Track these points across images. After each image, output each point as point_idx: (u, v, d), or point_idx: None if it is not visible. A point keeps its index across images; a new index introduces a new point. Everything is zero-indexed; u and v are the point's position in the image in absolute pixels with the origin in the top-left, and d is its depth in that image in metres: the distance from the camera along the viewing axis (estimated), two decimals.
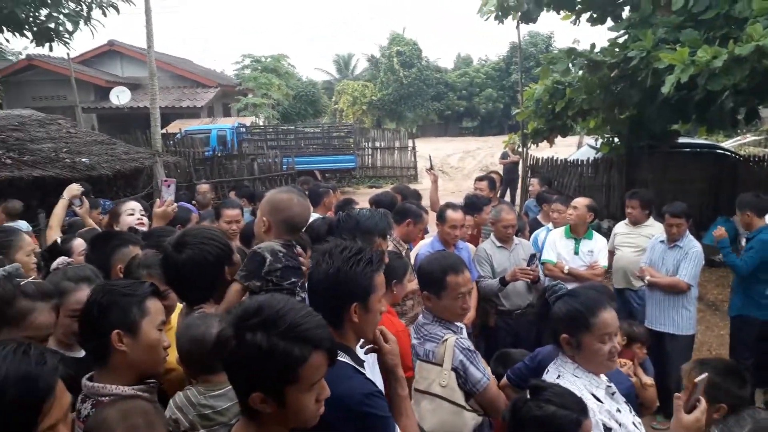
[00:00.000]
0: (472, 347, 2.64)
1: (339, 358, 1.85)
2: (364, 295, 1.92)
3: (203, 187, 7.64)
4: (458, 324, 2.78)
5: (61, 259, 2.76)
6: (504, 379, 2.83)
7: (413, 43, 37.25)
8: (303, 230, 2.75)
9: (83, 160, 8.95)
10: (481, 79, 39.89)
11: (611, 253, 5.49)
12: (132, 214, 3.82)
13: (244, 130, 18.24)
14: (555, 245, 5.07)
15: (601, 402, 2.14)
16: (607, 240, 5.41)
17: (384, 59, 37.93)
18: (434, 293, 2.72)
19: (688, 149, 11.02)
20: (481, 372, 2.59)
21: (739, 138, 20.59)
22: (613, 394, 2.22)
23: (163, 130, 13.47)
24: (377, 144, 21.32)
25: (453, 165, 24.72)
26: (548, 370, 2.33)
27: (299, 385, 1.44)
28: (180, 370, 2.18)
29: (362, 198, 6.78)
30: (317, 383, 1.48)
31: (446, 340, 2.57)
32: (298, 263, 2.55)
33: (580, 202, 5.08)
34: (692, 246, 4.68)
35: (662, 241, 4.84)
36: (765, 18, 5.64)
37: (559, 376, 2.22)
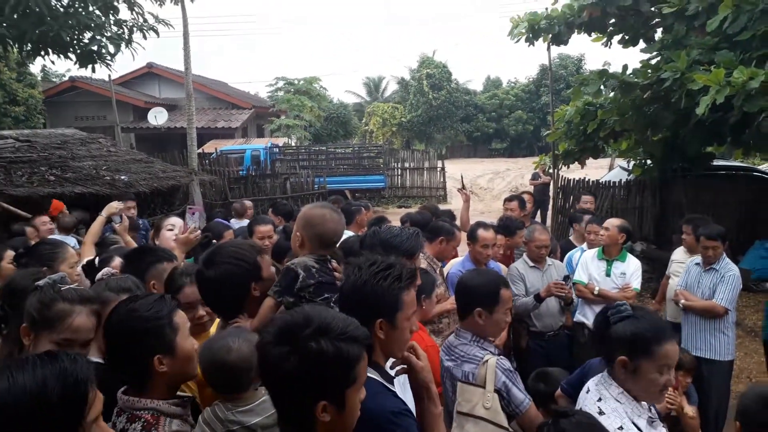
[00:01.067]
0: (512, 368, 2.62)
1: (371, 375, 1.85)
2: (390, 312, 1.90)
3: (245, 201, 7.83)
4: (492, 344, 2.76)
5: (106, 270, 2.86)
6: (558, 391, 2.83)
7: (443, 66, 37.50)
8: (336, 245, 2.75)
9: (122, 177, 9.22)
10: (511, 101, 39.90)
11: (668, 278, 5.51)
12: (171, 229, 3.93)
13: (277, 150, 18.52)
14: (587, 266, 5.03)
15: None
16: (642, 263, 5.33)
17: (414, 82, 38.25)
18: (487, 308, 2.70)
19: (723, 172, 10.83)
20: (523, 393, 2.58)
21: None
22: (652, 422, 2.17)
23: (199, 150, 13.79)
24: (406, 164, 21.42)
25: (482, 186, 24.65)
26: (588, 389, 2.29)
27: (356, 384, 1.50)
28: None
29: (393, 217, 6.84)
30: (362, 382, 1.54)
31: (486, 361, 2.53)
32: (331, 278, 2.54)
33: (612, 222, 5.04)
34: (729, 269, 4.59)
35: (698, 264, 4.77)
36: None
37: (600, 398, 2.18)
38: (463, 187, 6.27)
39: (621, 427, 2.04)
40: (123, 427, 1.79)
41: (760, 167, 14.25)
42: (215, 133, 21.26)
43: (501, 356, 2.63)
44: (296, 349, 1.42)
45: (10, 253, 4.48)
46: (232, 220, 7.14)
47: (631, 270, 4.96)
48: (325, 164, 18.70)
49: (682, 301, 4.72)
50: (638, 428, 2.10)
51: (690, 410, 3.64)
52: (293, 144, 22.63)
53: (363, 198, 16.80)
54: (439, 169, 21.20)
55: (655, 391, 2.16)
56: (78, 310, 2.11)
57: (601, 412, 2.12)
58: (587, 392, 2.29)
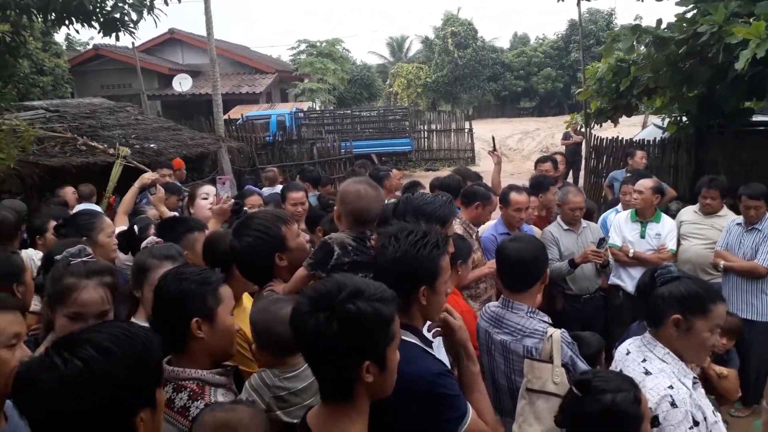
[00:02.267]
0: (571, 339, 2.59)
1: (407, 338, 1.90)
2: (431, 278, 1.94)
3: (273, 168, 7.85)
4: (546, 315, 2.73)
5: (150, 239, 2.90)
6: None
7: (468, 23, 36.61)
8: (374, 223, 2.68)
9: (151, 145, 9.29)
10: (539, 59, 38.88)
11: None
12: (206, 198, 3.95)
13: (302, 115, 18.46)
14: (620, 229, 4.94)
15: (691, 392, 2.09)
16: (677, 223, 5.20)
17: (438, 41, 37.50)
18: (537, 281, 2.70)
19: (762, 128, 10.46)
20: (584, 363, 2.57)
21: None
22: (695, 383, 2.16)
23: (225, 116, 13.80)
24: (433, 126, 21.17)
25: (511, 146, 24.30)
26: (628, 351, 2.27)
27: (394, 342, 1.54)
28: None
29: (423, 181, 6.80)
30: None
31: (551, 335, 2.50)
32: (367, 258, 2.53)
33: (645, 184, 4.89)
34: None
35: (739, 224, 4.65)
36: None
37: (644, 359, 2.17)
38: (495, 149, 6.13)
39: (671, 386, 2.03)
40: (169, 397, 1.82)
41: None
42: (239, 98, 21.24)
43: (563, 329, 2.59)
44: (335, 314, 1.44)
45: (53, 223, 4.59)
46: (264, 189, 7.17)
47: (666, 230, 4.87)
48: (351, 128, 18.59)
49: (722, 263, 4.62)
50: (686, 387, 2.09)
51: (723, 371, 3.60)
52: (317, 108, 22.51)
53: (389, 162, 16.74)
54: (466, 130, 20.91)
55: (704, 351, 2.19)
56: (84, 284, 2.13)
57: (647, 372, 2.11)
58: (627, 354, 2.27)
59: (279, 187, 6.61)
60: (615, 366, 2.32)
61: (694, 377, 2.18)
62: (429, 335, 2.11)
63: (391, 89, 37.12)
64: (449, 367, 2.00)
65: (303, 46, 26.65)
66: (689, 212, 5.32)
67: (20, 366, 1.39)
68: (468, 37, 36.20)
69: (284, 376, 2.03)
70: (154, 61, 21.96)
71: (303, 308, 1.48)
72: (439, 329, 2.05)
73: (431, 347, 2.03)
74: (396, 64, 40.01)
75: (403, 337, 1.87)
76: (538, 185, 5.20)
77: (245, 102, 21.13)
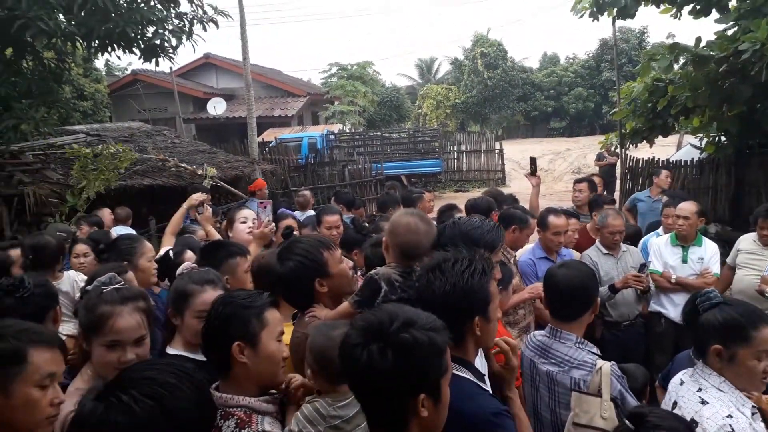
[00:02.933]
0: (621, 373, 2.51)
1: (461, 374, 1.85)
2: (484, 307, 1.90)
3: (305, 192, 7.90)
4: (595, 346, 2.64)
5: (186, 265, 2.90)
6: (657, 384, 2.81)
7: (498, 44, 36.67)
8: (422, 258, 2.56)
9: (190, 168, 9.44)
10: (570, 78, 38.63)
11: (731, 270, 5.12)
12: (245, 222, 3.96)
13: (333, 137, 18.61)
14: (660, 253, 4.77)
15: (750, 421, 2.01)
16: (717, 245, 5.03)
17: (468, 61, 37.61)
18: (588, 310, 2.61)
19: None
20: (633, 398, 2.48)
21: None
22: (754, 414, 2.07)
23: (259, 139, 13.99)
24: (462, 147, 21.13)
25: (542, 167, 24.03)
26: (682, 381, 2.21)
27: (447, 374, 1.49)
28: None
29: (456, 203, 6.79)
30: None
31: (600, 368, 2.42)
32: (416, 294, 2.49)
33: (689, 209, 4.71)
34: None
35: None
36: None
37: (700, 389, 2.11)
38: (534, 171, 6.01)
39: (730, 416, 1.98)
40: (216, 424, 1.80)
41: None
42: (272, 121, 21.54)
43: (612, 362, 2.50)
44: (390, 344, 1.39)
45: (81, 248, 4.66)
46: (296, 212, 7.21)
47: (709, 254, 4.72)
48: (381, 150, 18.65)
49: (767, 290, 4.44)
50: (745, 417, 2.03)
51: None
52: (348, 130, 22.70)
53: (419, 183, 16.71)
54: (496, 150, 20.82)
55: (756, 379, 2.10)
56: (119, 311, 2.12)
57: (704, 402, 2.06)
58: (681, 384, 2.21)
59: (310, 212, 6.64)
60: (669, 397, 2.25)
61: (753, 406, 2.10)
62: (481, 368, 2.07)
63: (420, 111, 37.26)
64: (504, 405, 1.94)
65: (334, 69, 27.04)
66: (748, 240, 5.06)
67: (80, 410, 1.38)
68: (497, 57, 36.22)
69: (338, 405, 1.98)
70: (190, 85, 22.46)
71: (354, 340, 1.44)
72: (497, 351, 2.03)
73: (484, 381, 1.99)
74: (425, 86, 40.21)
75: (457, 372, 1.83)
76: (595, 202, 5.27)
77: (277, 125, 21.41)
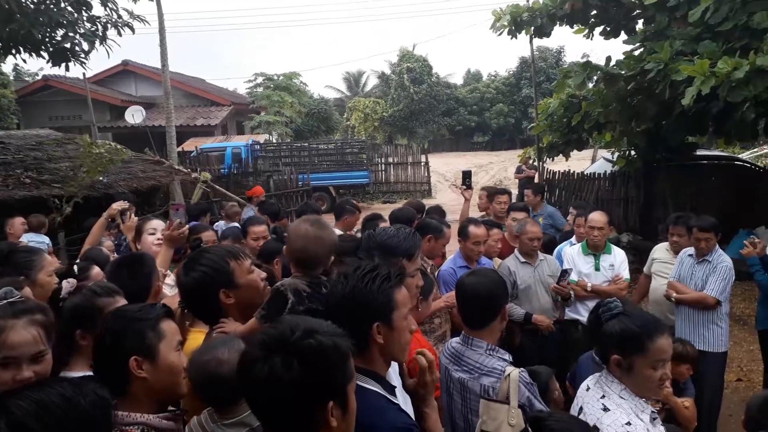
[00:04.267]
0: (531, 380, 2.52)
1: (369, 386, 1.81)
2: (385, 313, 1.85)
3: (235, 204, 7.71)
4: (506, 352, 2.66)
5: (66, 285, 2.67)
6: (567, 384, 2.86)
7: (423, 60, 37.40)
8: (321, 268, 2.52)
9: (100, 178, 8.99)
10: (492, 94, 39.99)
11: (647, 278, 5.36)
12: (153, 233, 3.78)
13: (258, 147, 18.32)
14: (574, 263, 4.92)
15: (649, 427, 2.06)
16: (628, 254, 5.25)
17: (394, 76, 38.12)
18: (497, 317, 2.62)
19: (705, 161, 10.91)
20: (542, 404, 2.50)
21: (756, 149, 20.38)
22: (654, 419, 2.14)
23: (179, 149, 13.55)
24: (390, 159, 21.35)
25: None
26: (588, 386, 2.25)
27: (353, 380, 1.45)
28: None
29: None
30: None
31: (509, 374, 2.43)
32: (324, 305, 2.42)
33: (602, 219, 4.86)
34: (721, 261, 4.56)
35: (691, 255, 4.74)
36: None
37: (603, 395, 2.15)
38: (468, 185, 6.12)
39: (629, 423, 2.02)
40: None
41: (741, 156, 14.43)
42: (194, 131, 20.98)
43: (521, 368, 2.53)
44: (294, 353, 1.32)
45: None
46: (220, 223, 7.00)
47: (618, 261, 4.93)
48: (308, 161, 18.54)
49: (674, 295, 4.68)
50: (643, 423, 2.07)
51: (686, 401, 3.64)
52: (274, 141, 22.41)
53: (347, 194, 16.70)
54: (422, 163, 21.18)
55: (653, 386, 2.14)
56: (11, 325, 1.93)
57: (605, 409, 2.10)
58: (587, 390, 2.25)
59: (235, 223, 6.47)
60: (576, 402, 2.28)
61: (653, 411, 2.15)
62: (394, 381, 2.02)
63: (348, 123, 37.37)
64: (413, 419, 1.90)
65: (260, 79, 26.67)
66: (661, 249, 5.28)
67: None
68: (423, 72, 36.92)
69: (224, 422, 1.91)
70: (107, 93, 21.54)
71: (253, 355, 1.35)
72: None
73: (394, 394, 1.93)
74: (353, 99, 40.39)
75: (364, 384, 1.79)
76: (524, 208, 5.51)
77: (200, 134, 20.86)
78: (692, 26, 7.04)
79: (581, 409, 2.19)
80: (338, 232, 5.10)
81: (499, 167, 27.19)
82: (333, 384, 1.37)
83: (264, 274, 2.42)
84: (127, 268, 2.81)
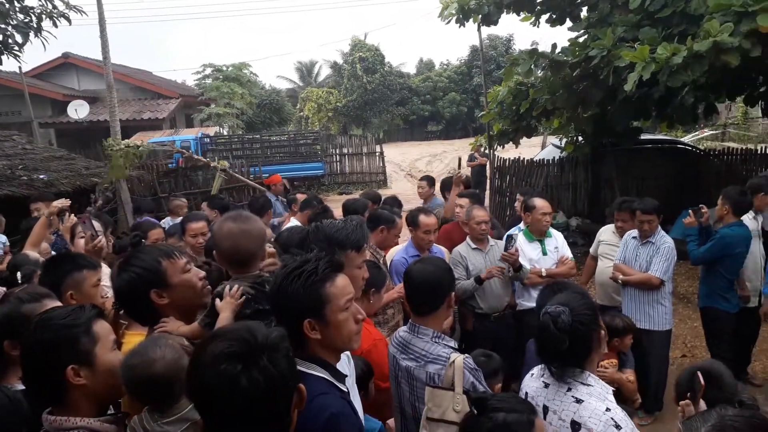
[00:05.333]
0: (476, 366, 2.52)
1: (316, 373, 1.81)
2: (315, 309, 1.82)
3: (181, 201, 7.48)
4: (451, 339, 2.66)
5: None
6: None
7: (375, 49, 37.29)
8: (253, 262, 2.44)
9: (41, 176, 8.65)
10: (444, 83, 40.16)
11: (594, 260, 5.47)
12: (84, 236, 3.64)
13: (208, 140, 17.96)
14: (523, 252, 4.88)
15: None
16: (578, 237, 5.37)
17: (347, 66, 37.89)
18: (442, 304, 2.62)
19: (650, 145, 11.24)
20: (488, 390, 2.51)
21: (697, 133, 21.13)
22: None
23: (125, 143, 13.12)
24: (345, 150, 21.23)
25: (421, 169, 24.77)
26: (547, 384, 2.19)
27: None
28: None
29: (335, 205, 6.84)
30: None
31: (453, 361, 2.42)
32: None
33: (547, 206, 4.93)
34: (664, 242, 4.70)
35: (635, 238, 4.87)
36: (721, 14, 5.75)
37: (569, 388, 2.12)
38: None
39: (608, 408, 2.00)
40: None
41: (683, 140, 14.93)
42: (141, 125, 20.39)
43: (466, 354, 2.53)
44: (264, 353, 1.35)
45: None
46: (167, 219, 6.81)
47: (560, 242, 5.04)
48: (260, 153, 18.27)
49: (620, 277, 4.80)
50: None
51: (629, 375, 3.75)
52: (225, 133, 22.01)
53: (302, 186, 16.54)
54: (377, 153, 21.13)
55: (602, 355, 2.24)
56: None
57: (578, 401, 2.07)
58: (546, 387, 2.20)
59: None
60: (534, 402, 2.18)
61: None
62: (345, 369, 2.02)
63: (301, 114, 37.02)
64: (354, 408, 1.89)
65: (208, 71, 26.10)
66: (607, 232, 5.40)
67: None
68: (376, 62, 36.82)
69: (164, 420, 1.85)
70: (47, 87, 20.70)
71: (229, 370, 1.33)
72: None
73: (344, 382, 1.92)
74: (306, 89, 39.99)
75: (307, 370, 1.81)
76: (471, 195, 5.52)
77: (148, 128, 20.29)
78: (633, 13, 7.18)
79: (546, 408, 2.15)
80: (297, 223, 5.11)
81: (452, 156, 27.34)
82: (298, 374, 1.45)
83: (202, 273, 2.34)
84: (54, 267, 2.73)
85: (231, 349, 1.35)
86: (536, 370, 2.32)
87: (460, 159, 8.87)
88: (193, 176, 12.15)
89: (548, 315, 2.08)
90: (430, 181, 7.09)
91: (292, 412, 1.44)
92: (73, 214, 4.05)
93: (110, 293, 2.99)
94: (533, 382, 2.27)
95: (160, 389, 1.83)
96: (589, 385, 2.08)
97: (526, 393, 2.27)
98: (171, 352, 1.87)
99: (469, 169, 13.92)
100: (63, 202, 4.00)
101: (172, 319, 2.22)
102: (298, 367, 1.77)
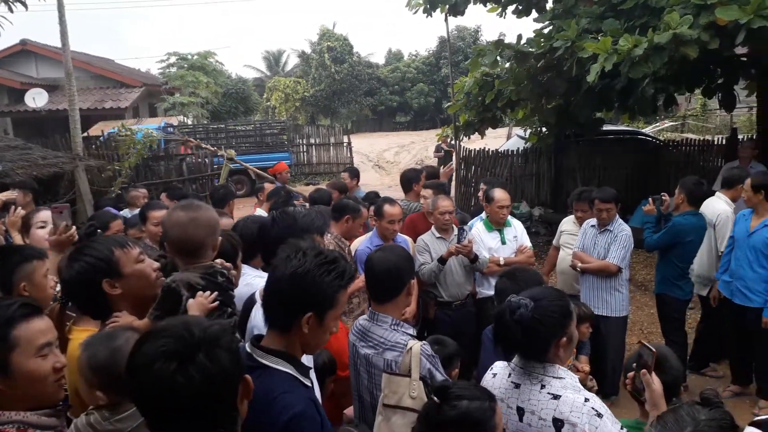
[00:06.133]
0: (433, 352, 2.53)
1: (281, 368, 1.79)
2: (323, 307, 1.81)
3: (139, 191, 7.26)
4: (410, 326, 2.67)
5: None
6: None
7: (343, 39, 37.03)
8: (202, 252, 2.37)
9: None
10: (413, 74, 40.15)
11: (556, 250, 5.55)
12: (43, 226, 3.53)
13: (171, 129, 17.63)
14: (482, 241, 4.97)
15: None
16: (541, 226, 5.44)
17: (315, 55, 37.56)
18: (402, 292, 2.62)
19: (612, 136, 11.44)
20: (445, 377, 2.52)
21: (658, 124, 21.59)
22: None
23: (85, 133, 12.80)
24: (312, 140, 21.10)
25: (389, 159, 24.81)
26: (517, 383, 2.13)
27: None
28: None
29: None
30: None
31: (410, 348, 2.42)
32: (225, 294, 2.29)
33: (508, 197, 5.00)
34: (621, 230, 4.80)
35: (593, 226, 4.95)
36: (681, 6, 5.86)
37: (542, 386, 2.08)
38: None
39: (587, 399, 2.00)
40: None
41: (644, 131, 15.23)
42: (103, 114, 19.86)
43: (423, 341, 2.54)
44: (201, 349, 1.29)
45: None
46: (125, 210, 6.65)
47: (519, 231, 5.13)
48: (225, 143, 18.03)
49: (579, 264, 4.89)
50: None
51: (583, 361, 3.83)
52: (190, 122, 21.63)
53: (272, 176, 16.37)
54: (345, 144, 21.06)
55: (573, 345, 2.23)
56: None
57: (555, 396, 2.04)
58: (517, 387, 2.12)
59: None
60: (510, 402, 2.14)
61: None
62: (308, 362, 2.02)
63: (268, 103, 36.59)
64: (318, 405, 1.87)
65: (173, 59, 25.52)
66: (568, 222, 5.50)
67: None
68: (344, 52, 36.59)
69: (115, 418, 1.80)
70: (3, 75, 19.99)
71: (166, 367, 1.27)
72: None
73: (308, 375, 1.91)
74: (273, 78, 39.54)
75: (276, 366, 1.78)
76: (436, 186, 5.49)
77: (110, 117, 19.76)
78: (597, 5, 7.28)
79: (521, 410, 2.09)
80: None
81: (420, 146, 27.48)
82: (243, 365, 1.39)
83: (156, 264, 2.29)
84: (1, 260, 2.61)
85: (165, 347, 1.28)
86: (499, 369, 2.26)
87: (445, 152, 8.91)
88: (155, 166, 11.90)
89: (508, 303, 2.06)
90: (351, 172, 7.30)
91: (239, 404, 1.39)
92: (20, 207, 3.91)
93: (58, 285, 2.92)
94: (499, 383, 2.21)
95: (121, 385, 1.77)
96: (561, 378, 2.06)
97: (493, 396, 2.18)
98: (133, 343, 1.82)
99: (436, 159, 13.98)
100: (8, 195, 3.87)
101: (125, 314, 2.17)
102: (263, 361, 1.77)
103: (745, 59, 7.77)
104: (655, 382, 2.07)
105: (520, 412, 2.07)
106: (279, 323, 1.82)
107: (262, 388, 1.63)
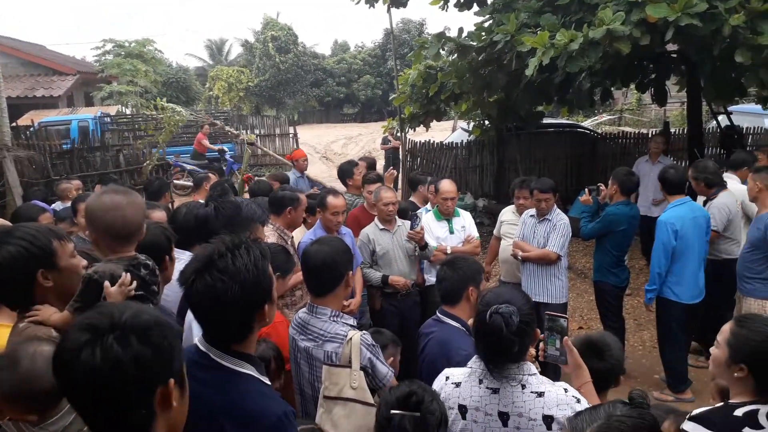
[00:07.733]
0: (374, 342, 2.54)
1: (247, 371, 1.73)
2: (270, 290, 1.77)
3: (70, 183, 6.95)
4: (350, 317, 2.69)
5: None
6: None
7: (288, 29, 36.49)
8: (136, 238, 2.30)
9: None
10: (359, 66, 40.02)
11: (497, 240, 5.66)
12: None
13: (108, 119, 17.00)
14: (431, 230, 5.07)
15: None
16: (485, 217, 5.55)
17: (259, 44, 36.89)
18: (340, 284, 2.63)
19: (552, 129, 11.75)
20: (386, 366, 2.53)
21: (596, 118, 22.30)
22: None
23: (13, 123, 12.16)
24: (257, 131, 20.75)
25: (336, 151, 24.67)
26: (495, 389, 2.07)
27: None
28: None
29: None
30: None
31: (351, 338, 2.41)
32: (148, 289, 2.20)
33: (453, 189, 5.10)
34: (560, 219, 4.96)
35: (532, 216, 5.08)
36: (614, 3, 6.04)
37: (523, 386, 2.05)
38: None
39: (566, 390, 2.03)
40: None
41: (583, 124, 15.70)
42: (35, 103, 18.96)
43: (363, 331, 2.55)
44: (131, 328, 1.18)
45: None
46: (57, 203, 6.38)
47: (468, 222, 5.25)
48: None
49: (520, 253, 5.01)
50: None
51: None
52: (128, 112, 20.90)
53: (216, 165, 16.02)
54: (291, 135, 20.80)
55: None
56: None
57: (539, 394, 2.04)
58: (495, 393, 2.08)
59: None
60: (485, 410, 2.09)
61: None
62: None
63: (211, 93, 35.73)
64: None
65: (109, 46, 24.55)
66: (508, 212, 5.63)
67: None
68: (288, 42, 36.05)
69: (45, 423, 1.72)
70: None
71: (79, 340, 1.17)
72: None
73: (264, 372, 1.88)
74: (216, 67, 38.62)
75: (240, 369, 1.71)
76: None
77: (42, 106, 18.89)
78: (535, 0, 7.42)
79: (505, 414, 2.05)
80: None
81: (368, 138, 27.44)
82: (174, 358, 1.25)
83: (85, 262, 2.19)
84: None
85: (81, 330, 1.19)
86: (461, 377, 2.17)
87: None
88: (90, 157, 11.45)
89: (500, 316, 1.97)
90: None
91: (155, 407, 1.22)
92: None
93: None
94: (469, 391, 2.11)
95: (43, 393, 1.68)
96: (534, 373, 2.06)
97: (465, 406, 2.12)
98: (42, 359, 1.69)
99: (383, 151, 14.00)
100: None
101: (45, 306, 2.05)
102: (232, 366, 1.69)
103: (675, 55, 8.10)
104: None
105: (504, 417, 2.02)
106: (236, 333, 1.73)
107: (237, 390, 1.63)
